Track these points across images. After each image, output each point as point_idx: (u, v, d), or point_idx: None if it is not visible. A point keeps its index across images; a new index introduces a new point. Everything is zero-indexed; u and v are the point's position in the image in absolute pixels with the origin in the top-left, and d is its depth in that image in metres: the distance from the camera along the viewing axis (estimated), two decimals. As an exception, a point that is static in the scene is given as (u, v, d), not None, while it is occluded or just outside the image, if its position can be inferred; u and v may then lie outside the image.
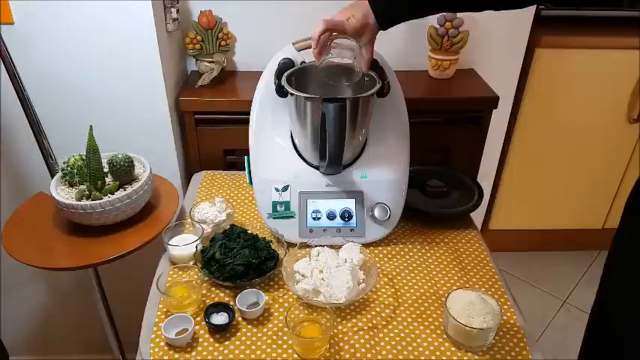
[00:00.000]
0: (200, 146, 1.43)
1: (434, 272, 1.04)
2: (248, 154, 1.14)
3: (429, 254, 1.08)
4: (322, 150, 1.03)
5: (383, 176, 1.10)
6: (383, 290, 0.99)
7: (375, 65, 1.07)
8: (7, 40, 1.08)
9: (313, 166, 1.10)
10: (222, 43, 1.44)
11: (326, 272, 0.96)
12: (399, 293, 0.98)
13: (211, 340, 0.88)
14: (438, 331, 0.90)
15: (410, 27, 1.50)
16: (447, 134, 1.49)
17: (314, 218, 1.08)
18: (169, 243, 1.04)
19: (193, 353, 0.86)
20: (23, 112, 1.13)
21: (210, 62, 1.43)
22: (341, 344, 0.88)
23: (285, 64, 1.07)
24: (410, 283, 1.01)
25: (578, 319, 1.97)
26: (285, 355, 0.86)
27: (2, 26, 1.15)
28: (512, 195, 2.05)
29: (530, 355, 0.86)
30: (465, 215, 1.19)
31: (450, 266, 1.05)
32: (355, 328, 0.91)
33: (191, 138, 1.42)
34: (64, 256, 1.08)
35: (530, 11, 1.56)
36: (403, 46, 1.53)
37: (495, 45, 1.58)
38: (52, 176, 1.14)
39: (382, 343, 0.88)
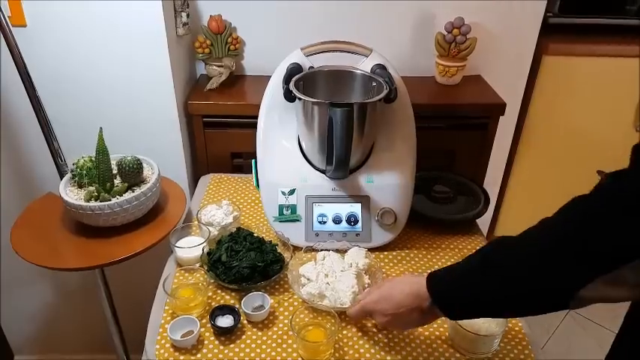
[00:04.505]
0: (208, 149, 1.44)
1: (439, 278, 1.03)
2: (255, 158, 1.14)
3: (434, 260, 1.08)
4: (329, 154, 1.03)
5: (389, 181, 1.10)
6: (388, 295, 0.99)
7: (382, 71, 1.07)
8: (19, 42, 1.09)
9: (320, 170, 1.11)
10: (232, 47, 1.45)
11: (331, 276, 0.96)
12: (404, 298, 0.98)
13: (216, 342, 0.89)
14: (443, 337, 0.90)
15: (417, 33, 1.50)
16: (454, 140, 1.49)
17: (320, 222, 1.09)
18: (176, 245, 1.05)
19: (198, 355, 0.86)
20: (34, 113, 1.14)
21: (219, 66, 1.44)
22: (345, 349, 0.88)
23: (294, 69, 1.08)
24: (415, 289, 1.01)
25: (584, 327, 1.96)
26: (289, 359, 0.86)
27: (14, 28, 1.16)
28: (518, 201, 2.04)
29: (535, 362, 0.86)
30: (471, 221, 1.19)
31: (456, 272, 1.05)
32: (360, 333, 0.91)
33: (199, 141, 1.43)
34: (71, 257, 1.09)
35: (537, 19, 1.56)
36: (410, 51, 1.53)
37: (503, 52, 1.58)
38: (61, 177, 1.15)
39: (387, 349, 0.88)
